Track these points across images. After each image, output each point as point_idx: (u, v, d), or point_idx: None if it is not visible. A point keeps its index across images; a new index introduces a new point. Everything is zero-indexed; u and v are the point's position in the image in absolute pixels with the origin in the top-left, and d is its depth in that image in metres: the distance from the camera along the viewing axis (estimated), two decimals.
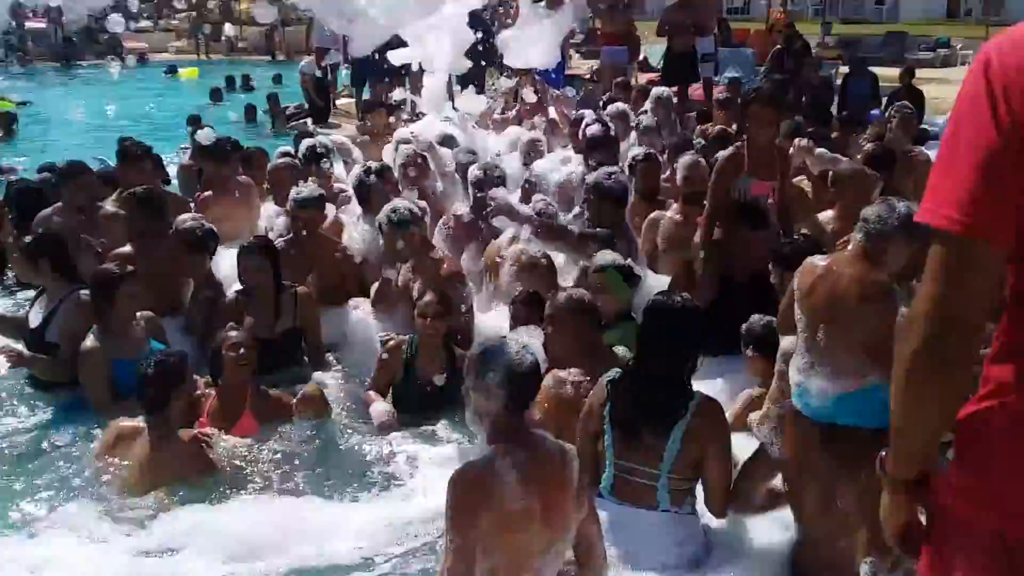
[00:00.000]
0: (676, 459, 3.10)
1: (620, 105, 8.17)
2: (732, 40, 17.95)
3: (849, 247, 3.16)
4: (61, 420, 4.52)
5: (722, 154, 5.09)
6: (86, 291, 4.61)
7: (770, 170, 4.87)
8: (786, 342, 3.74)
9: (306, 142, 6.84)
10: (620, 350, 3.76)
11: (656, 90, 9.11)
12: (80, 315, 4.59)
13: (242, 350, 4.14)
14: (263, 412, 4.23)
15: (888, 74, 14.62)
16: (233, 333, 4.23)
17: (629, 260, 4.49)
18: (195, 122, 9.91)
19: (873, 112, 10.36)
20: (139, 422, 3.84)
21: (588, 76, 14.67)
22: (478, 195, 5.45)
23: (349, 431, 4.40)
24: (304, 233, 5.39)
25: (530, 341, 2.92)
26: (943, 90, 14.40)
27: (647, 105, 8.52)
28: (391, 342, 4.61)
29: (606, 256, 4.30)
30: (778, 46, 15.08)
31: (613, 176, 5.16)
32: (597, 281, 4.23)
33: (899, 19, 29.33)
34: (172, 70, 21.39)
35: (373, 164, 5.96)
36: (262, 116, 14.62)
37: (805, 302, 3.08)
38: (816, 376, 2.99)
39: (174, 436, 3.81)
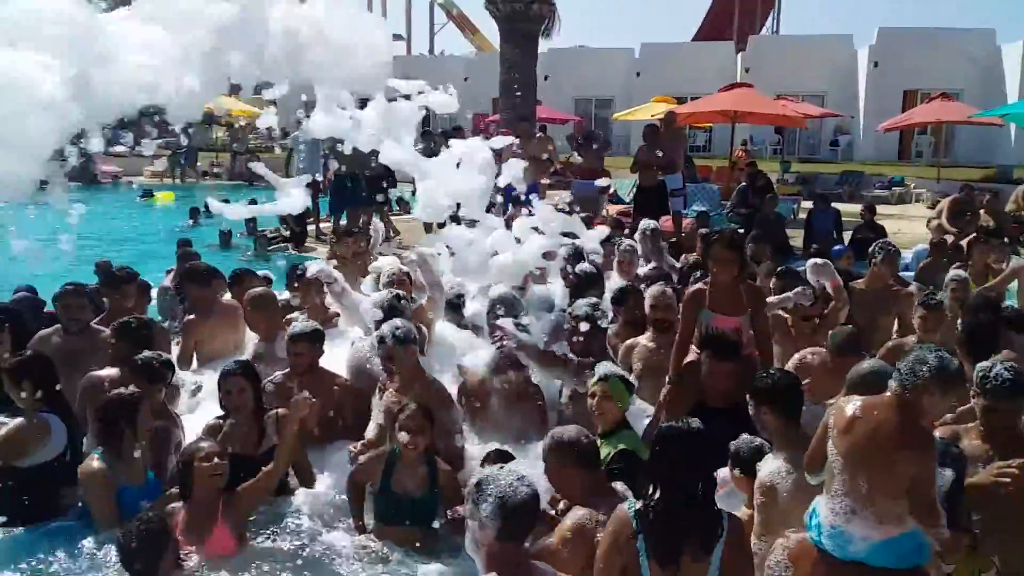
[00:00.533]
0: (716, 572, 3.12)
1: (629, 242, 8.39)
2: (697, 176, 18.70)
3: (886, 393, 3.15)
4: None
5: (689, 289, 5.49)
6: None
7: (734, 306, 5.12)
8: (764, 473, 3.83)
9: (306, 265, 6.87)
10: (619, 486, 3.74)
11: (644, 223, 9.47)
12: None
13: (215, 459, 4.08)
14: (236, 518, 4.16)
15: (847, 209, 15.26)
16: (204, 444, 4.17)
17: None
18: (185, 244, 10.03)
19: (836, 247, 10.70)
20: None
21: (559, 208, 15.09)
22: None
23: (331, 549, 4.35)
24: (298, 366, 5.32)
25: (529, 472, 2.96)
26: (900, 224, 15.02)
27: (637, 236, 8.83)
28: (370, 452, 4.63)
29: (607, 367, 4.46)
30: (742, 183, 15.74)
31: (598, 308, 5.35)
32: (602, 390, 4.33)
33: (853, 159, 30.75)
34: (148, 194, 21.62)
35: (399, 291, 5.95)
36: (238, 239, 14.76)
37: (841, 442, 3.09)
38: (858, 523, 3.01)
39: None
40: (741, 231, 6.45)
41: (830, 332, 5.39)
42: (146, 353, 4.98)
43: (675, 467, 3.15)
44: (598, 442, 4.16)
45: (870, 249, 7.27)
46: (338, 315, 6.46)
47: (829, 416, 3.20)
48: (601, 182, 13.49)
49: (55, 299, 5.98)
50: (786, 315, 6.13)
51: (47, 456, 4.51)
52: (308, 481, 4.86)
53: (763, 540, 3.65)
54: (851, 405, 3.13)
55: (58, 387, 4.77)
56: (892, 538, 2.99)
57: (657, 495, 3.14)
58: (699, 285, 5.39)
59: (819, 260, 6.29)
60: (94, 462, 4.37)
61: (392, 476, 4.38)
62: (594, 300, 5.60)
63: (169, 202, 20.57)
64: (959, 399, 3.82)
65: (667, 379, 5.20)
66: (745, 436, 4.04)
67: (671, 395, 5.11)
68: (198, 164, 26.62)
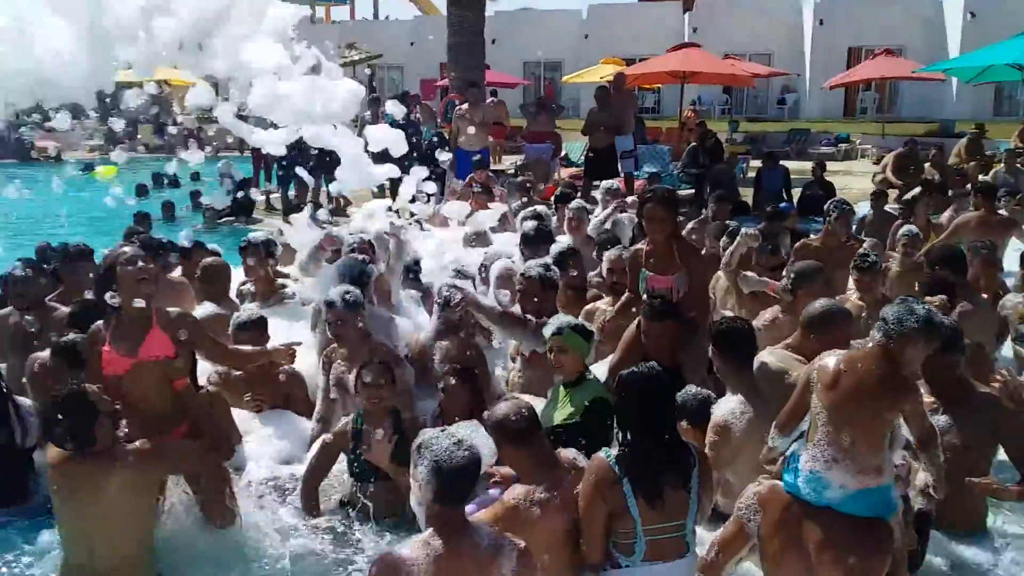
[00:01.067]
0: (697, 503, 3.39)
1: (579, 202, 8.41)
2: (647, 138, 18.73)
3: (868, 345, 3.22)
4: None
5: (630, 250, 5.52)
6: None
7: (668, 265, 5.13)
8: (718, 413, 4.08)
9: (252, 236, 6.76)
10: (569, 452, 3.71)
11: (606, 183, 9.69)
12: None
13: (140, 263, 3.88)
14: (173, 330, 4.00)
15: (795, 167, 15.44)
16: (127, 249, 3.98)
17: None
18: (143, 218, 9.82)
19: (783, 205, 10.83)
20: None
21: (512, 171, 15.05)
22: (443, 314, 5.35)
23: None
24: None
25: (471, 436, 2.97)
26: (847, 180, 15.25)
27: (597, 195, 8.90)
28: (336, 428, 4.64)
29: (561, 319, 4.46)
30: (692, 143, 15.80)
31: (550, 268, 5.36)
32: (557, 344, 4.34)
33: (800, 117, 31.06)
34: (89, 167, 21.03)
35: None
36: (183, 212, 14.48)
37: (826, 396, 3.16)
38: (838, 471, 3.10)
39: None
40: (674, 190, 6.39)
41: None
42: (70, 336, 4.78)
43: (644, 409, 3.37)
44: (562, 395, 4.28)
45: (824, 207, 7.34)
46: (284, 286, 6.39)
47: (811, 373, 3.26)
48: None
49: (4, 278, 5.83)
50: (771, 292, 6.05)
51: None
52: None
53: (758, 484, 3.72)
54: (834, 359, 3.19)
55: None
56: (867, 488, 3.08)
57: (631, 438, 3.35)
58: (639, 245, 5.42)
59: (750, 230, 6.29)
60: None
61: (362, 440, 4.38)
62: (546, 260, 5.61)
63: (111, 176, 20.03)
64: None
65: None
66: (691, 388, 4.24)
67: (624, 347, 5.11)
68: (139, 137, 25.91)
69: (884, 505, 3.14)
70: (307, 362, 5.33)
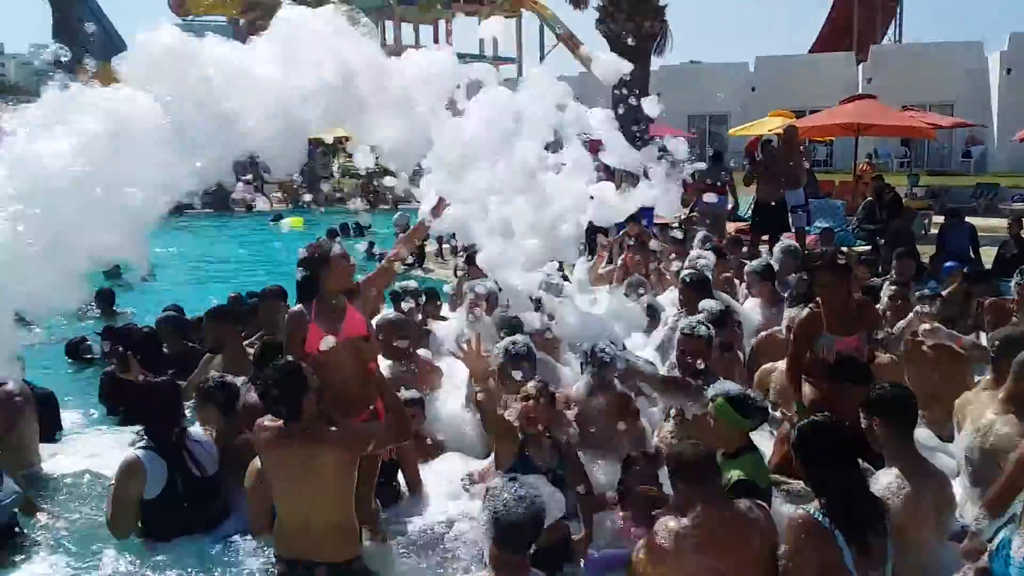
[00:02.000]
0: (892, 551, 3.38)
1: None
2: (820, 192, 18.13)
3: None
4: None
5: (799, 316, 5.28)
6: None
7: (851, 325, 4.98)
8: (875, 488, 3.73)
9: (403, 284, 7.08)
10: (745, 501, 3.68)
11: (784, 242, 9.43)
12: None
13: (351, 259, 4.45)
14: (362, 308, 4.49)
15: (982, 224, 14.48)
16: (337, 247, 4.45)
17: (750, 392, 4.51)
18: None
19: (947, 264, 10.10)
20: None
21: (675, 224, 14.88)
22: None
23: None
24: None
25: (539, 487, 3.00)
26: None
27: (776, 255, 8.59)
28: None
29: (717, 387, 4.38)
30: (868, 197, 15.16)
31: (709, 326, 5.23)
32: (711, 411, 4.27)
33: (987, 170, 29.23)
34: (277, 218, 22.47)
35: None
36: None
37: None
38: None
39: None
40: (843, 251, 6.09)
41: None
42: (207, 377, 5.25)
43: (838, 457, 3.38)
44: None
45: (1020, 268, 6.84)
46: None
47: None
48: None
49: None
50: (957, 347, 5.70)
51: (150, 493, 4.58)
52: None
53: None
54: None
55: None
56: None
57: (833, 489, 3.33)
58: (811, 309, 5.18)
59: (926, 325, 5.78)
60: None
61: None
62: (706, 313, 5.52)
63: (298, 227, 21.28)
64: None
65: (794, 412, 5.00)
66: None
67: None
68: (322, 188, 27.51)
69: None
70: None
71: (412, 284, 7.09)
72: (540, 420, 4.40)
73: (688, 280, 6.52)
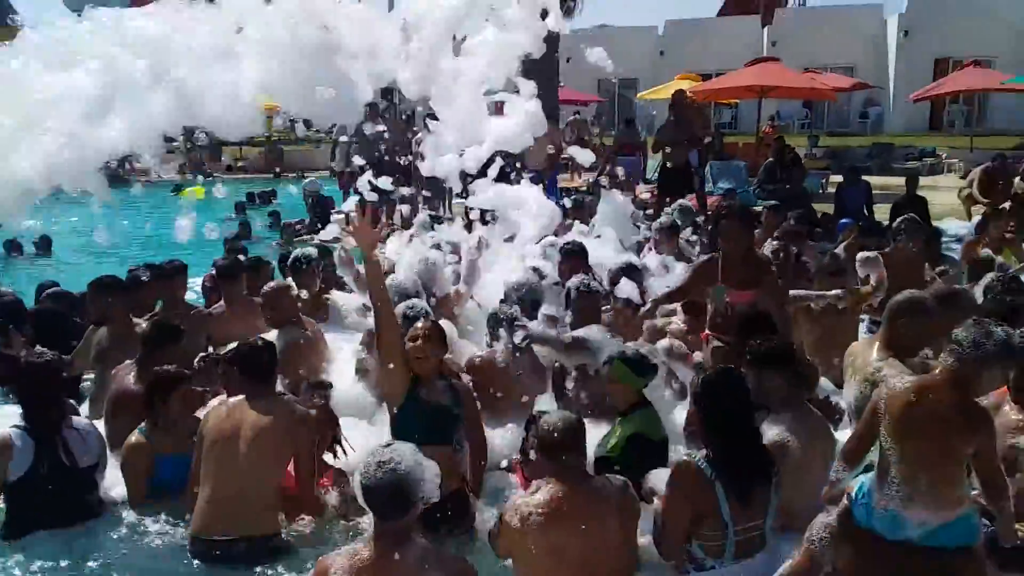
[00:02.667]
0: (776, 502, 3.47)
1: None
2: (724, 153, 18.51)
3: (937, 371, 3.09)
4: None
5: (701, 258, 5.52)
6: None
7: (747, 280, 5.08)
8: (771, 434, 3.86)
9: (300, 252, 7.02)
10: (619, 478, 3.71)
11: (681, 201, 9.84)
12: None
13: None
14: None
15: (877, 183, 15.03)
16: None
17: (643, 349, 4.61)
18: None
19: (841, 221, 10.52)
20: None
21: (585, 188, 15.01)
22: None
23: None
24: None
25: (405, 454, 2.93)
26: (933, 196, 14.76)
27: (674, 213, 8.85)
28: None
29: (615, 348, 4.48)
30: (769, 159, 15.54)
31: (591, 284, 5.43)
32: (608, 372, 4.36)
33: (883, 131, 30.29)
34: (178, 189, 21.81)
35: None
36: (259, 231, 14.96)
37: (896, 431, 3.02)
38: (916, 509, 2.96)
39: None
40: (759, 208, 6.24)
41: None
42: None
43: (729, 411, 3.44)
44: (615, 425, 4.28)
45: (894, 224, 7.17)
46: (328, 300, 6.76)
47: (879, 401, 3.12)
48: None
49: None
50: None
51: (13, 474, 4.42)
52: None
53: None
54: (903, 390, 3.04)
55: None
56: (948, 522, 2.95)
57: (720, 441, 3.41)
58: (712, 256, 5.37)
59: (869, 254, 6.17)
60: (133, 436, 4.61)
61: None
62: (583, 277, 5.62)
63: (199, 197, 20.68)
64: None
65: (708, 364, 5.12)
66: None
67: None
68: (222, 158, 26.78)
69: (967, 533, 3.01)
70: None
71: (312, 251, 6.96)
72: (429, 358, 4.34)
73: (566, 251, 6.54)
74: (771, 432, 3.92)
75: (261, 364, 4.41)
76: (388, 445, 3.01)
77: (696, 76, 24.44)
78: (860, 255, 6.30)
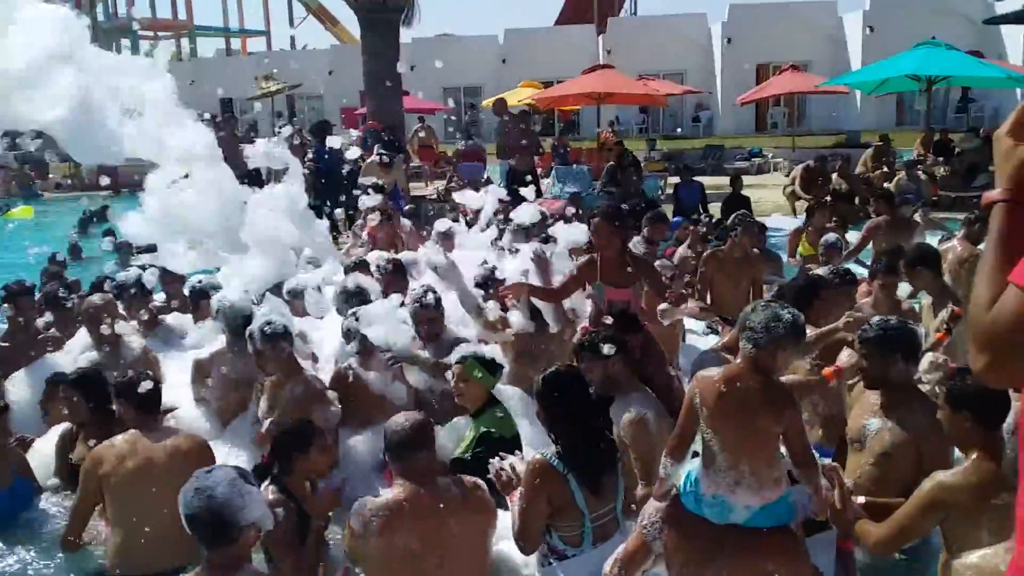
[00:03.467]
0: (623, 485, 3.68)
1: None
2: (568, 159, 19.04)
3: (739, 358, 3.14)
4: None
5: (581, 259, 5.57)
6: None
7: (624, 278, 5.17)
8: (629, 417, 4.05)
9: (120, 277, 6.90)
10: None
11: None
12: None
13: None
14: None
15: (711, 182, 15.90)
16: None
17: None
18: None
19: (674, 219, 11.10)
20: None
21: (435, 196, 15.14)
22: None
23: None
24: None
25: (220, 481, 2.82)
26: (761, 193, 15.77)
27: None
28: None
29: (467, 348, 4.58)
30: (611, 163, 16.14)
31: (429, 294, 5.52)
32: (458, 373, 4.47)
33: (714, 133, 31.95)
34: (5, 208, 20.41)
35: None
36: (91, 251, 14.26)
37: (713, 421, 3.06)
38: (742, 493, 3.03)
39: None
40: (619, 206, 6.24)
41: None
42: None
43: (572, 405, 3.56)
44: (469, 426, 4.41)
45: (729, 220, 7.64)
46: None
47: (694, 394, 3.14)
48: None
49: None
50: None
51: None
52: None
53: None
54: (713, 380, 3.09)
55: None
56: (770, 503, 3.06)
57: (567, 435, 3.52)
58: (591, 256, 5.43)
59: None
60: None
61: None
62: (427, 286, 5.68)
63: (28, 217, 19.39)
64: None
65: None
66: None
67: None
68: (50, 175, 25.25)
69: (787, 513, 3.14)
70: None
71: (132, 274, 6.83)
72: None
73: (384, 270, 6.50)
74: (627, 413, 4.06)
75: (156, 395, 4.27)
76: (210, 470, 2.86)
77: (538, 84, 25.01)
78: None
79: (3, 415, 4.60)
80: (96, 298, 5.95)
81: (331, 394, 4.90)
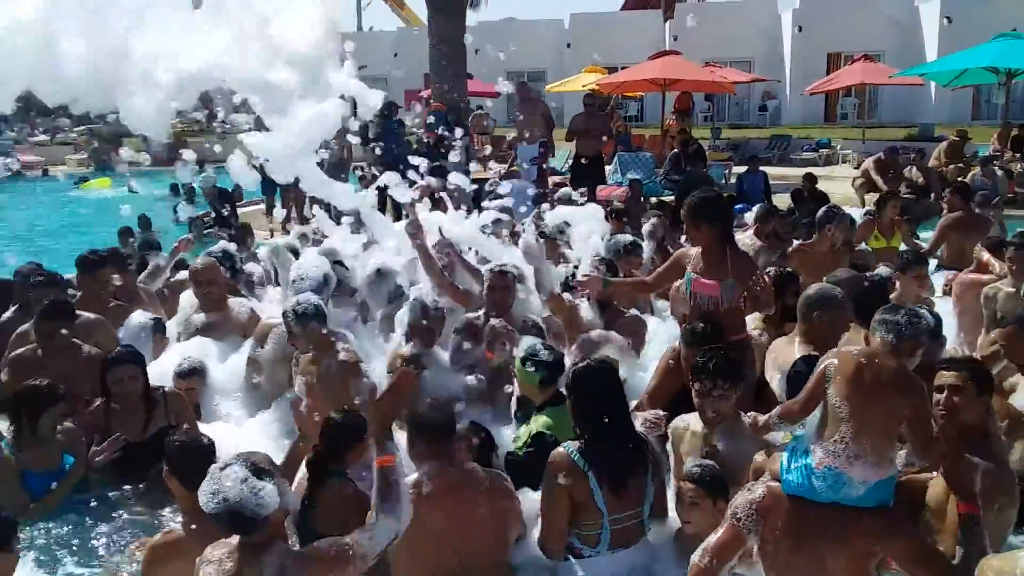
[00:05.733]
0: (652, 491, 3.63)
1: None
2: (631, 144, 18.89)
3: (878, 344, 3.28)
4: None
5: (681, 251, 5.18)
6: None
7: (715, 269, 4.67)
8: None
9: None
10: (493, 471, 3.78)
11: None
12: None
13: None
14: None
15: (775, 172, 15.63)
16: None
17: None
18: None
19: (736, 206, 10.99)
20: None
21: (496, 180, 15.11)
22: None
23: None
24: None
25: (229, 482, 2.82)
26: (828, 185, 15.41)
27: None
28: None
29: (524, 344, 4.49)
30: (675, 150, 15.95)
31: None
32: (517, 371, 4.45)
33: (781, 123, 31.35)
34: (82, 180, 21.04)
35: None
36: (162, 223, 14.56)
37: (846, 390, 3.13)
38: (860, 467, 3.08)
39: None
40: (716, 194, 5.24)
41: None
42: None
43: (600, 402, 3.56)
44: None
45: (818, 215, 7.51)
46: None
47: (828, 365, 3.21)
48: None
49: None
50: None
51: None
52: None
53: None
54: (855, 356, 3.20)
55: None
56: (882, 480, 3.10)
57: (592, 432, 3.52)
58: (679, 252, 5.15)
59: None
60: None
61: None
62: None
63: (105, 187, 19.94)
64: None
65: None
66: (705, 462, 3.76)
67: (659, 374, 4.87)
68: (122, 151, 25.91)
69: (889, 493, 3.17)
70: None
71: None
72: None
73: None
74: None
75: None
76: (223, 468, 2.85)
77: (602, 69, 24.80)
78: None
79: (55, 404, 4.59)
80: (200, 261, 6.25)
81: (363, 367, 4.89)
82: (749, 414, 3.69)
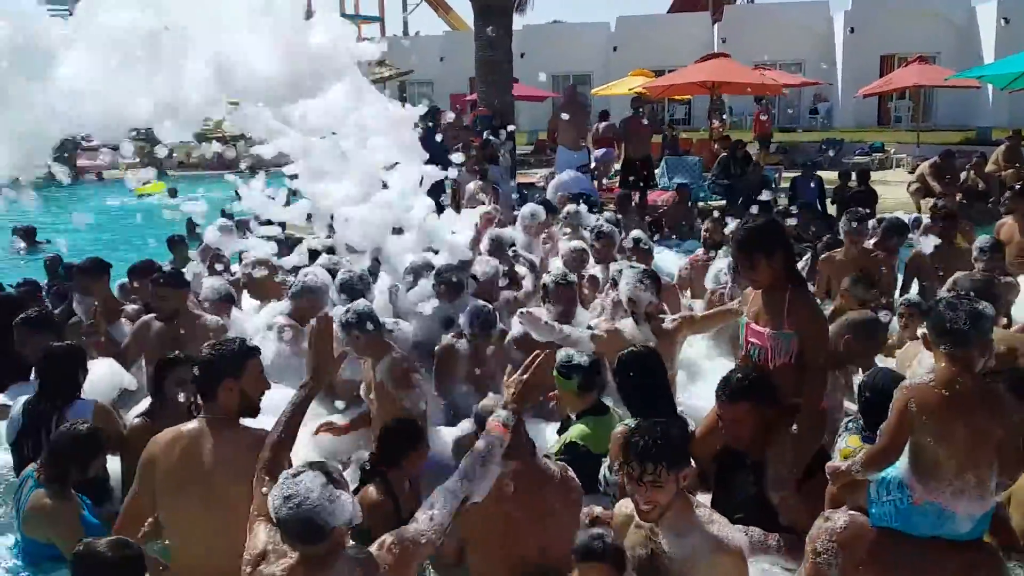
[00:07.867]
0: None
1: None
2: (679, 149, 18.68)
3: (942, 363, 2.96)
4: None
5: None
6: None
7: (769, 316, 3.96)
8: None
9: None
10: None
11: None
12: None
13: None
14: None
15: (829, 177, 15.30)
16: None
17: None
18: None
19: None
20: None
21: (543, 184, 15.04)
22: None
23: None
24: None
25: (312, 486, 2.71)
26: (882, 190, 15.08)
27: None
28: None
29: (562, 355, 4.35)
30: (723, 154, 15.73)
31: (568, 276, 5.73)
32: (556, 383, 4.37)
33: (833, 126, 30.78)
34: (146, 183, 21.39)
35: None
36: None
37: (940, 425, 2.88)
38: (966, 502, 2.89)
39: None
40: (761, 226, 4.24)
41: None
42: None
43: (645, 384, 3.88)
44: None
45: (841, 222, 7.35)
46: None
47: (906, 403, 2.93)
48: None
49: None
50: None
51: None
52: None
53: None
54: (930, 390, 2.91)
55: None
56: (987, 511, 2.93)
57: (642, 411, 3.74)
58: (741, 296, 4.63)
59: None
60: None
61: None
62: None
63: (160, 191, 20.25)
64: None
65: None
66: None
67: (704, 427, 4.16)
68: (174, 154, 26.33)
69: (988, 521, 3.01)
70: None
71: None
72: None
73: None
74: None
75: None
76: (297, 475, 2.75)
77: (649, 72, 24.59)
78: None
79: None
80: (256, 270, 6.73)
81: (416, 376, 4.86)
82: (829, 463, 3.29)
